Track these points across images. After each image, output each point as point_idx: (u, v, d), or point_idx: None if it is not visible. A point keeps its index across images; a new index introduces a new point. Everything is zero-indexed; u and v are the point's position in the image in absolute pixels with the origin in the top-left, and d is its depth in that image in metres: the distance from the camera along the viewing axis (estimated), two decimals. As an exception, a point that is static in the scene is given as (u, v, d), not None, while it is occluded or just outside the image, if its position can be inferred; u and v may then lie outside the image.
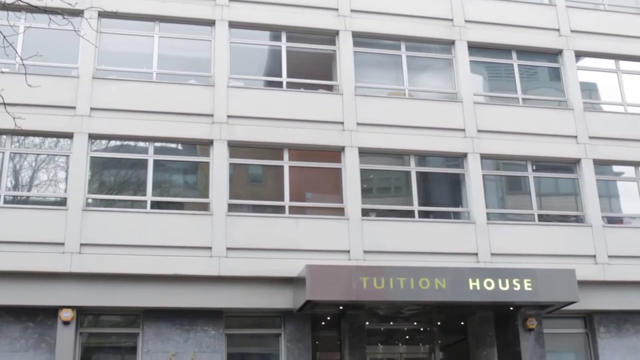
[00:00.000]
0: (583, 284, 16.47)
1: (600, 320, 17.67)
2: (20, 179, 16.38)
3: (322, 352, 17.36)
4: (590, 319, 17.79)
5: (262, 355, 16.60)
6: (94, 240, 15.35)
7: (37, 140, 16.37)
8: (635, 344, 17.61)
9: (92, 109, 16.35)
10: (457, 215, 17.76)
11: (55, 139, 16.37)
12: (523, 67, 19.53)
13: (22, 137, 16.24)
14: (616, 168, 19.37)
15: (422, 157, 18.02)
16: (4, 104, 9.61)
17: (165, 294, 15.32)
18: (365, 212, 16.90)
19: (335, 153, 17.31)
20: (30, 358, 14.89)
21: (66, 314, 14.95)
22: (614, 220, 18.63)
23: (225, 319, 15.96)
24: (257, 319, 16.51)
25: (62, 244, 15.21)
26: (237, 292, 15.61)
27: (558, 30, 19.78)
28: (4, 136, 16.02)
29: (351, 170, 17.02)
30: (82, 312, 15.47)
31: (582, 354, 17.76)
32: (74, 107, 16.30)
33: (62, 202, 15.82)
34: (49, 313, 15.11)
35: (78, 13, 9.44)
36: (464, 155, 17.86)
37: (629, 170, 19.19)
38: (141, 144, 16.71)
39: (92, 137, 16.32)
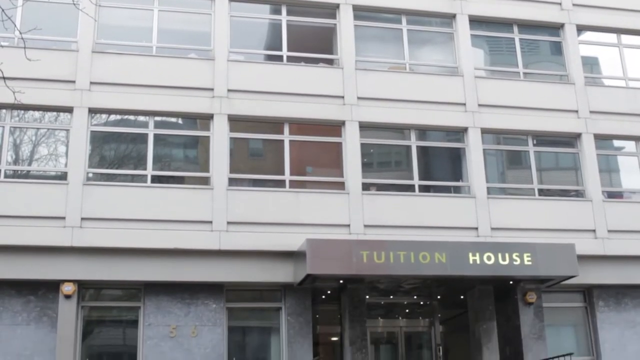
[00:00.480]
0: (582, 258, 16.52)
1: (599, 295, 17.74)
2: (21, 153, 16.37)
3: (322, 326, 17.47)
4: (589, 293, 17.87)
5: (262, 328, 16.68)
6: (94, 215, 15.37)
7: (37, 114, 16.34)
8: (634, 318, 17.71)
9: (91, 83, 16.30)
10: (457, 190, 17.77)
11: (55, 113, 16.34)
12: (524, 41, 19.44)
13: (22, 112, 16.20)
14: (617, 143, 19.36)
15: (423, 131, 18.00)
16: (4, 78, 9.58)
17: (166, 267, 15.37)
18: (366, 187, 16.92)
19: (335, 127, 17.28)
20: (32, 331, 14.98)
21: (67, 288, 15.02)
22: (614, 195, 18.64)
23: (226, 292, 16.04)
24: (258, 293, 16.58)
25: (63, 218, 15.23)
26: (238, 266, 15.66)
27: (560, 4, 19.65)
28: (4, 110, 15.99)
29: (351, 144, 17.00)
30: (83, 286, 15.54)
31: (581, 328, 17.85)
32: (73, 82, 16.24)
33: (63, 177, 15.82)
34: (51, 287, 15.17)
35: (77, -14, 9.37)
36: (465, 130, 17.83)
37: (630, 145, 19.17)
38: (141, 118, 16.69)
39: (92, 111, 16.28)
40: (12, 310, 15.05)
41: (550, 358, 16.07)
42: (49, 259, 15.03)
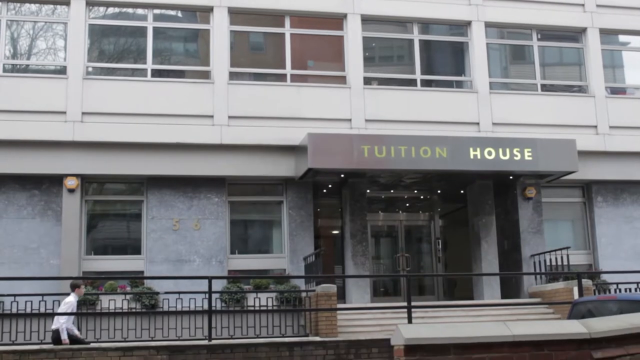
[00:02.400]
0: (583, 154, 16.58)
1: (598, 190, 17.88)
2: (19, 47, 16.18)
3: (323, 219, 17.69)
4: (588, 189, 18.00)
5: (264, 221, 16.93)
6: (95, 109, 15.34)
7: (33, 7, 16.07)
8: (631, 213, 17.90)
9: (88, -27, 15.96)
10: (459, 84, 17.65)
11: (52, 5, 16.06)
12: None
13: (19, 4, 15.93)
14: (622, 38, 19.07)
15: (426, 24, 17.72)
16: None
17: (168, 162, 15.46)
18: (367, 81, 16.80)
19: (337, 20, 17.00)
20: (37, 224, 15.21)
21: (71, 182, 15.15)
22: (617, 91, 18.54)
23: (228, 186, 16.18)
24: (260, 187, 16.73)
25: (64, 112, 15.21)
26: (240, 160, 15.74)
27: None
28: (0, 3, 15.70)
29: (353, 38, 16.77)
30: (86, 180, 15.68)
31: (579, 223, 18.08)
32: (69, -28, 15.90)
33: (62, 71, 15.70)
34: (54, 181, 15.32)
35: None
36: (468, 23, 17.54)
37: (635, 40, 18.91)
38: (140, 10, 16.40)
39: (90, 3, 15.98)
40: (17, 204, 15.23)
41: (548, 252, 16.34)
42: (51, 153, 15.11)
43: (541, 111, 17.27)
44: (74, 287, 11.96)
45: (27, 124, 14.95)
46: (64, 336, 11.40)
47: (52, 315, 13.01)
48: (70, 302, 11.68)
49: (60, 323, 11.46)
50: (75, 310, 11.86)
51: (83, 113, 15.25)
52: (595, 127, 17.52)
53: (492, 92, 17.20)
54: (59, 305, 12.24)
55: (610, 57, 18.76)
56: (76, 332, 11.88)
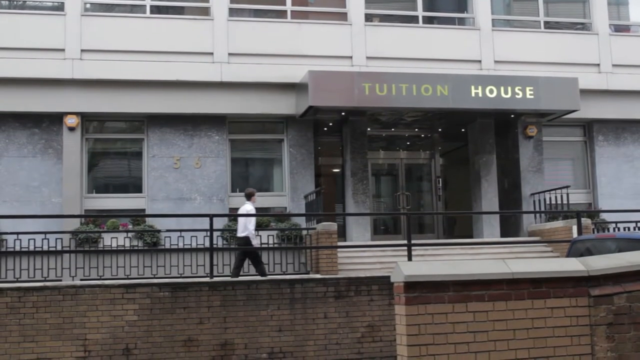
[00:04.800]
0: (585, 92, 16.46)
1: (599, 129, 17.83)
2: (16, -17, 15.97)
3: (324, 157, 17.70)
4: (589, 128, 17.95)
5: (265, 159, 16.93)
6: (94, 46, 15.19)
7: (29, -59, 15.80)
8: (632, 152, 17.89)
9: None
10: (461, 21, 17.45)
11: (46, -60, 15.80)
12: None
13: (11, -60, 15.66)
14: (627, -27, 18.81)
15: (428, -40, 17.46)
16: None
17: (168, 99, 15.38)
18: (369, 18, 16.59)
19: (338, -45, 16.74)
20: (38, 163, 15.22)
21: (71, 120, 15.11)
22: (621, 29, 18.31)
23: (229, 124, 16.14)
24: (260, 125, 16.68)
25: (63, 50, 15.06)
26: (240, 97, 15.66)
27: None
28: (-6, -64, 15.46)
29: (355, -27, 16.52)
30: (86, 118, 15.63)
31: (580, 162, 18.07)
32: None
33: (60, 7, 15.48)
34: (54, 119, 15.27)
35: None
36: (471, -41, 17.28)
37: (641, -24, 18.63)
38: (137, -55, 16.12)
39: (85, -62, 15.71)
40: (17, 142, 15.21)
41: (548, 190, 16.39)
42: (50, 91, 15.03)
43: (544, 49, 17.10)
44: (249, 196, 13.13)
45: (26, 62, 14.83)
46: (256, 242, 12.81)
47: (55, 252, 13.17)
48: (251, 210, 12.81)
49: (249, 230, 12.55)
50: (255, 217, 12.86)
51: (82, 50, 15.11)
52: (598, 65, 17.37)
53: (494, 30, 17.00)
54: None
55: (615, -7, 18.54)
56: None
